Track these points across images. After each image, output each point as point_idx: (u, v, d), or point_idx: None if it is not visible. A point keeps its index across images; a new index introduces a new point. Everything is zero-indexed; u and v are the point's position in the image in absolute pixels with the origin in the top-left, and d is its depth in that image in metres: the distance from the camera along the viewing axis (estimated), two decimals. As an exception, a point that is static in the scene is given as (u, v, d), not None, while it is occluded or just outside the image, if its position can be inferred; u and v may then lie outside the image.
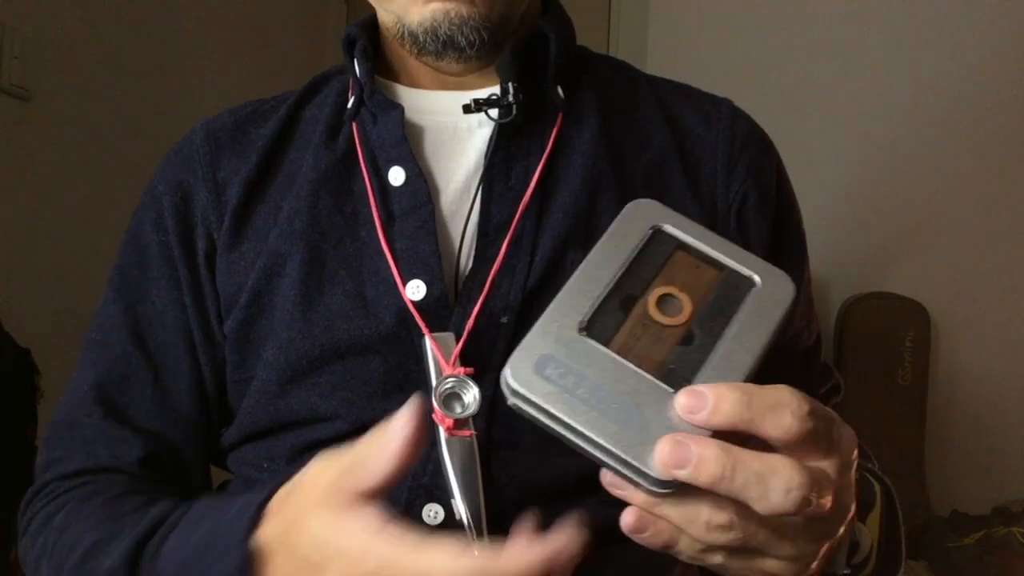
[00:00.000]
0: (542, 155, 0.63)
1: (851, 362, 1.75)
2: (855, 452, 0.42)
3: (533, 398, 0.39)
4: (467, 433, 0.56)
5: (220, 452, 0.67)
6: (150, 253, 0.66)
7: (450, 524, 0.55)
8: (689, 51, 2.02)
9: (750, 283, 0.43)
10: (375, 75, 0.67)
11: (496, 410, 0.58)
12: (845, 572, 0.52)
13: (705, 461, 0.36)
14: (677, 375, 0.39)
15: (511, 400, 0.40)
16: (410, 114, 0.64)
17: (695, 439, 0.36)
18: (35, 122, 1.46)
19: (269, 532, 0.45)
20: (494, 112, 0.63)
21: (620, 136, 0.66)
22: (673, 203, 0.64)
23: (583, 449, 0.39)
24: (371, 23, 0.70)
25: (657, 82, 0.72)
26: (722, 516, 0.38)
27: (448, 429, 0.55)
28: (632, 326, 0.41)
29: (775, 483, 0.37)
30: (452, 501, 0.55)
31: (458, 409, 0.56)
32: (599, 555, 0.58)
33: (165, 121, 1.71)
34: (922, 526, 1.58)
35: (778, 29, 1.96)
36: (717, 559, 0.41)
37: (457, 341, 0.58)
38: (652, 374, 0.39)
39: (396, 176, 0.63)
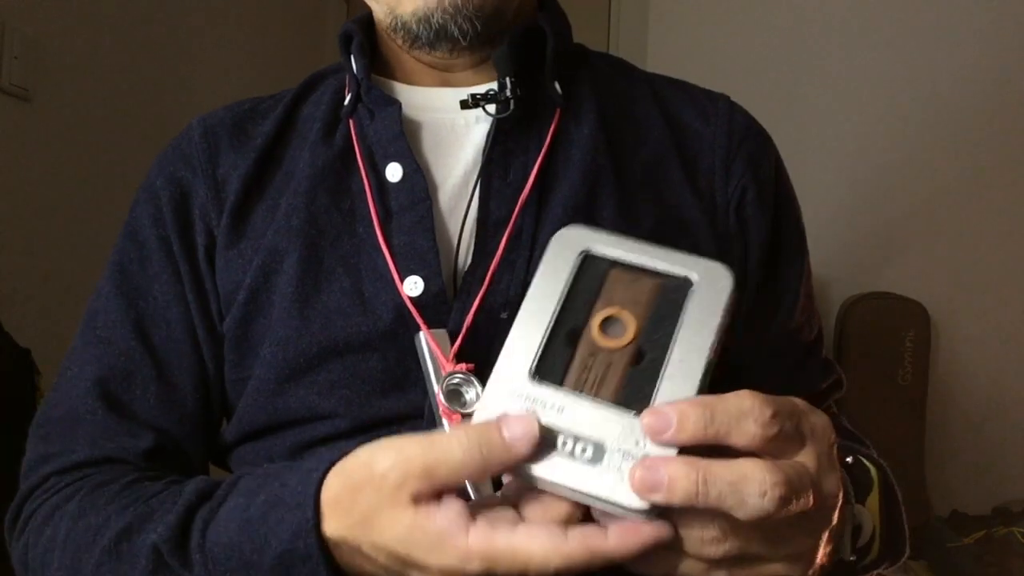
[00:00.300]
0: (540, 150, 0.63)
1: (851, 362, 1.75)
2: (831, 437, 0.42)
3: None
4: None
5: (221, 450, 0.67)
6: (149, 248, 0.66)
7: None
8: (689, 51, 2.02)
9: (687, 283, 0.42)
10: (372, 72, 0.67)
11: None
12: (851, 558, 0.52)
13: (676, 480, 0.36)
14: (635, 396, 0.39)
15: None
16: (407, 110, 0.64)
17: (663, 461, 0.37)
18: (35, 122, 1.46)
19: (336, 527, 0.44)
20: (492, 108, 0.63)
21: (618, 131, 0.66)
22: (672, 199, 0.64)
23: (562, 495, 0.39)
24: (367, 20, 0.70)
25: (654, 78, 0.72)
26: (711, 530, 0.39)
27: (455, 425, 0.55)
28: (582, 358, 0.41)
29: (749, 488, 0.37)
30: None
31: (459, 406, 0.56)
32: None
33: (165, 121, 1.71)
34: (922, 526, 1.58)
35: (778, 29, 1.96)
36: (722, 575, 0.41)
37: (456, 337, 0.58)
38: (610, 402, 0.39)
39: (394, 172, 0.62)
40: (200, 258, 0.65)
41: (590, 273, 0.44)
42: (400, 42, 0.65)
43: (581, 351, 0.41)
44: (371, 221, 0.61)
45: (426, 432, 0.56)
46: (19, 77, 1.42)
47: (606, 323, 0.42)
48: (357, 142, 0.65)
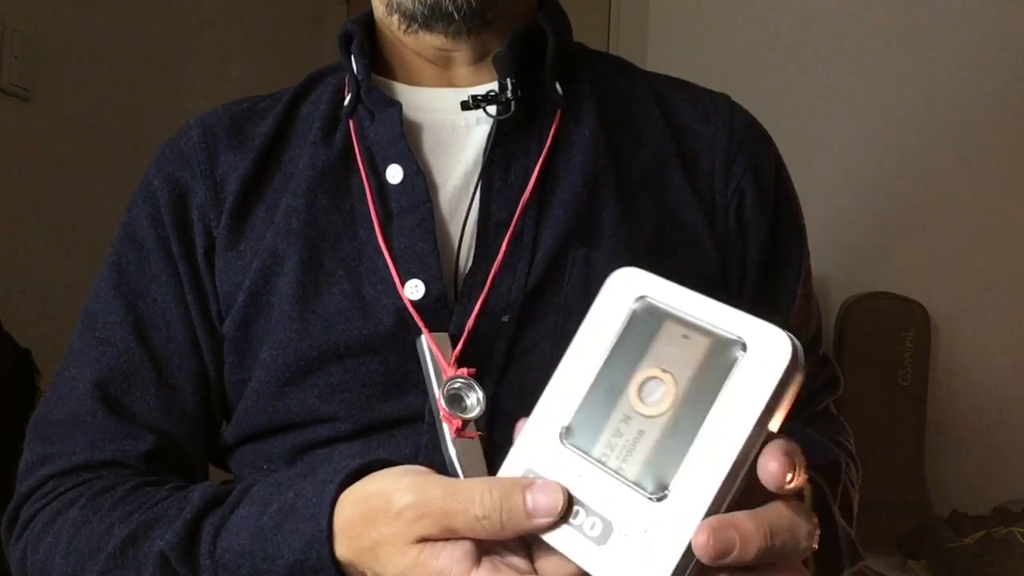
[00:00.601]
0: (541, 152, 0.63)
1: (851, 362, 1.75)
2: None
3: None
4: (473, 434, 0.56)
5: (221, 452, 0.67)
6: (148, 248, 0.65)
7: None
8: (689, 51, 2.01)
9: (739, 348, 0.36)
10: (372, 72, 0.66)
11: (497, 410, 0.57)
12: None
13: (747, 539, 0.34)
14: (654, 478, 0.35)
15: None
16: (408, 111, 0.64)
17: (729, 524, 0.34)
18: (35, 122, 1.46)
19: (344, 551, 0.44)
20: (492, 109, 0.62)
21: (618, 132, 0.66)
22: (672, 199, 0.64)
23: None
24: (368, 20, 0.70)
25: (655, 78, 0.72)
26: None
27: (456, 431, 0.55)
28: (614, 424, 0.38)
29: None
30: None
31: (460, 410, 0.56)
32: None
33: (165, 121, 1.71)
34: (922, 526, 1.58)
35: (778, 29, 1.96)
36: None
37: (458, 340, 0.57)
38: (629, 481, 0.36)
39: (394, 174, 0.62)
40: (199, 259, 0.64)
41: (641, 325, 0.39)
42: (396, 28, 0.64)
43: (615, 415, 0.38)
44: (371, 223, 0.61)
45: (427, 437, 0.56)
46: (19, 77, 1.42)
47: (645, 385, 0.38)
48: (357, 143, 0.64)
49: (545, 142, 0.63)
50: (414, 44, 0.66)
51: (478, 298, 0.58)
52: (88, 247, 1.51)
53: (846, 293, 1.84)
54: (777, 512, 0.35)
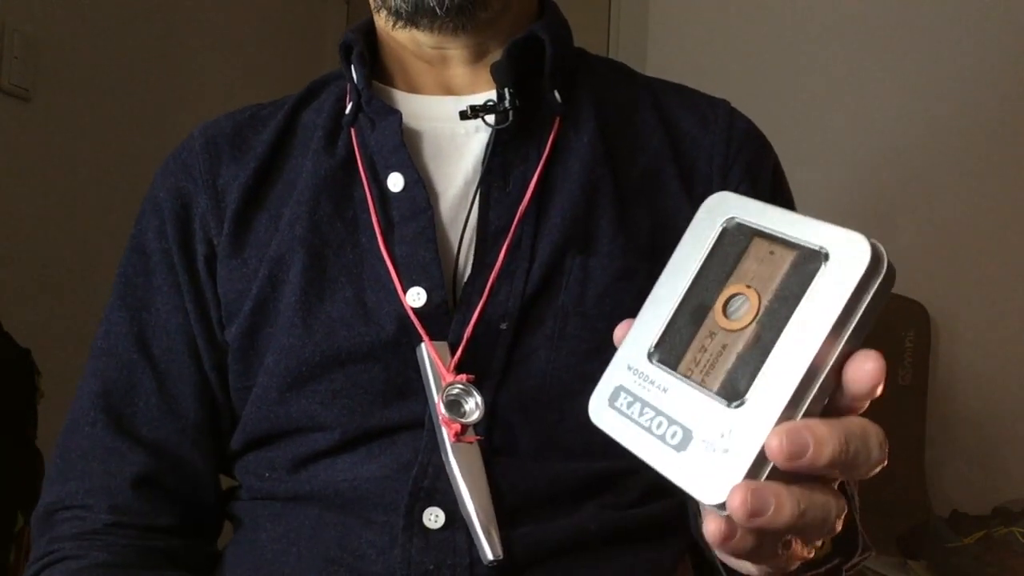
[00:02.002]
0: (540, 160, 0.63)
1: (851, 362, 1.75)
2: None
3: (604, 430, 0.40)
4: (471, 439, 0.56)
5: (228, 459, 0.67)
6: (154, 261, 0.66)
7: (451, 527, 0.56)
8: (689, 52, 2.01)
9: (823, 256, 0.36)
10: (373, 80, 0.67)
11: (496, 416, 0.58)
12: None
13: (780, 510, 0.34)
14: (734, 387, 0.36)
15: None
16: (408, 120, 0.64)
17: (770, 487, 0.34)
18: (35, 122, 1.47)
19: None
20: (491, 118, 0.62)
21: (617, 139, 0.66)
22: (669, 207, 0.64)
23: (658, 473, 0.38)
24: (368, 27, 0.70)
25: (655, 84, 0.72)
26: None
27: (455, 435, 0.55)
28: (700, 340, 0.38)
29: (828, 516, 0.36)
30: (461, 507, 0.55)
31: (459, 416, 0.56)
32: (598, 555, 0.58)
33: (165, 121, 1.71)
34: (922, 526, 1.58)
35: (778, 31, 1.96)
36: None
37: (456, 348, 0.58)
38: (714, 391, 0.37)
39: (395, 182, 0.62)
40: (200, 268, 0.65)
41: (729, 244, 0.40)
42: (384, 21, 0.65)
43: (701, 332, 0.38)
44: (373, 231, 0.62)
45: (426, 441, 0.57)
46: (19, 77, 1.42)
47: (731, 301, 0.38)
48: (359, 151, 0.65)
49: (544, 150, 0.63)
50: (410, 43, 0.67)
51: (477, 306, 0.59)
52: (88, 247, 1.51)
53: (846, 293, 1.84)
54: (851, 421, 0.35)
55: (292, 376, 0.60)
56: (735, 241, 0.40)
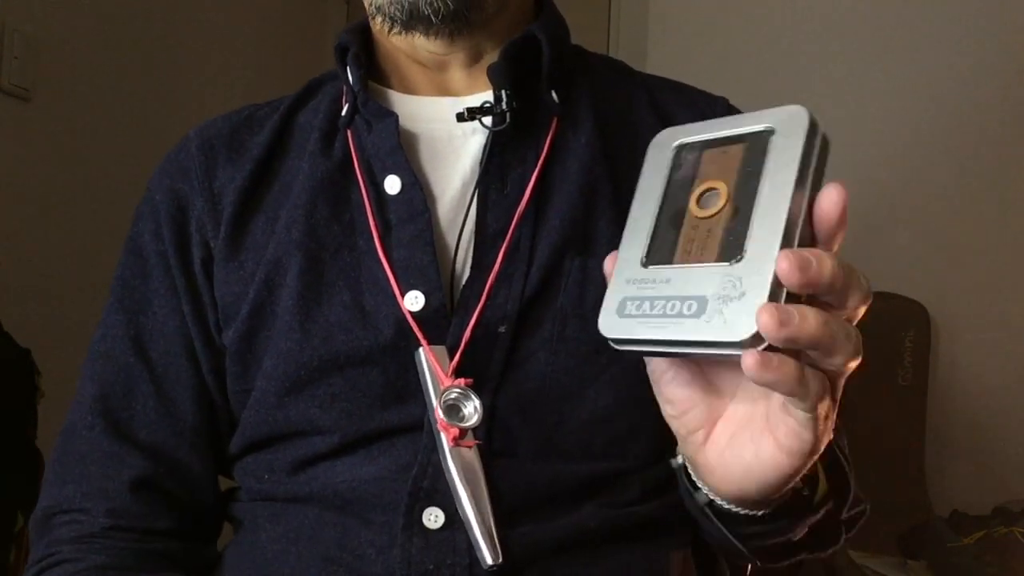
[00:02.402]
0: (537, 161, 0.62)
1: (851, 362, 1.75)
2: None
3: (623, 336, 0.42)
4: (470, 443, 0.56)
5: (227, 461, 0.67)
6: (150, 264, 0.66)
7: (450, 527, 0.56)
8: (689, 51, 2.01)
9: (768, 134, 0.42)
10: (369, 81, 0.66)
11: (495, 419, 0.58)
12: (804, 491, 0.54)
13: (805, 318, 0.37)
14: (729, 249, 0.40)
15: (615, 347, 0.43)
16: (404, 121, 0.64)
17: (792, 305, 0.38)
18: (35, 122, 1.47)
19: None
20: (488, 120, 0.62)
21: (615, 139, 0.66)
22: None
23: (686, 355, 0.42)
24: (363, 28, 0.69)
25: (653, 82, 0.72)
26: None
27: (453, 439, 0.55)
28: (686, 234, 0.43)
29: (851, 335, 0.39)
30: (459, 510, 0.55)
31: (457, 420, 0.56)
32: (598, 554, 0.58)
33: (165, 121, 1.71)
34: (922, 526, 1.58)
35: (778, 30, 1.96)
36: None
37: (455, 351, 0.58)
38: (710, 262, 0.41)
39: (392, 185, 0.62)
40: (196, 271, 0.65)
41: (685, 160, 0.45)
42: (380, 27, 0.65)
43: (685, 228, 0.43)
44: (371, 234, 0.61)
45: (425, 443, 0.57)
46: (19, 77, 1.42)
47: (703, 197, 0.43)
48: (355, 153, 0.64)
49: (542, 151, 0.63)
50: (407, 47, 0.67)
51: (475, 309, 0.58)
52: (88, 247, 1.51)
53: (846, 293, 1.84)
54: (837, 254, 0.39)
55: (291, 380, 0.60)
56: (689, 156, 0.45)
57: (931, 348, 1.78)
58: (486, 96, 0.64)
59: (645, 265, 0.43)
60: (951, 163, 1.83)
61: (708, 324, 0.39)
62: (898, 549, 1.57)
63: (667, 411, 0.47)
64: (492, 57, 0.65)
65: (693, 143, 0.45)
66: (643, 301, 0.42)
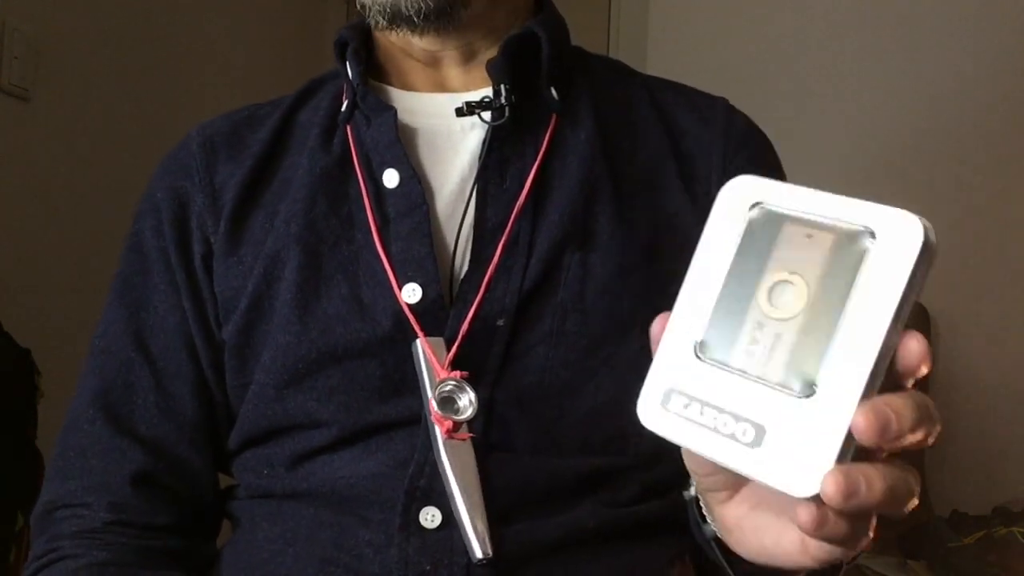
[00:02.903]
0: (537, 156, 0.63)
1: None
2: None
3: (664, 435, 0.39)
4: (464, 436, 0.56)
5: (226, 456, 0.67)
6: (151, 259, 0.66)
7: (447, 527, 0.55)
8: (689, 51, 2.01)
9: (867, 237, 0.35)
10: (368, 78, 0.66)
11: (492, 413, 0.58)
12: None
13: (872, 488, 0.34)
14: (799, 376, 0.35)
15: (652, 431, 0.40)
16: (403, 116, 0.64)
17: (858, 468, 0.34)
18: (35, 122, 1.47)
19: None
20: (487, 115, 0.62)
21: (615, 136, 0.66)
22: (668, 204, 0.64)
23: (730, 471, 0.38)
24: (363, 26, 0.70)
25: (653, 82, 0.72)
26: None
27: (447, 431, 0.55)
28: (749, 332, 0.37)
29: (911, 491, 0.36)
30: (452, 504, 0.55)
31: (452, 412, 0.56)
32: (595, 553, 0.58)
33: (165, 121, 1.71)
34: (922, 526, 1.58)
35: (778, 30, 1.96)
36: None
37: (452, 344, 0.58)
38: (776, 383, 0.36)
39: (390, 179, 0.62)
40: (197, 266, 0.65)
41: (760, 231, 0.38)
42: (370, 22, 0.65)
43: (748, 324, 0.37)
44: (369, 227, 0.61)
45: (423, 438, 0.57)
46: (19, 77, 1.42)
47: (774, 290, 0.37)
48: (355, 148, 0.64)
49: (541, 146, 0.63)
50: (402, 43, 0.67)
51: (473, 302, 0.59)
52: (88, 247, 1.51)
53: (846, 293, 1.84)
54: (911, 391, 0.36)
55: (289, 373, 0.60)
56: (766, 227, 0.38)
57: (931, 348, 1.78)
58: (484, 92, 0.64)
59: (699, 356, 0.38)
60: (951, 164, 1.83)
61: (763, 464, 0.35)
62: (898, 549, 1.57)
63: (689, 466, 0.43)
64: (488, 54, 0.65)
65: (773, 211, 0.39)
66: (691, 402, 0.38)
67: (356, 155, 0.64)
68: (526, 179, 0.62)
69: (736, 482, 0.43)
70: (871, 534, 0.38)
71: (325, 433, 0.59)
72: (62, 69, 1.51)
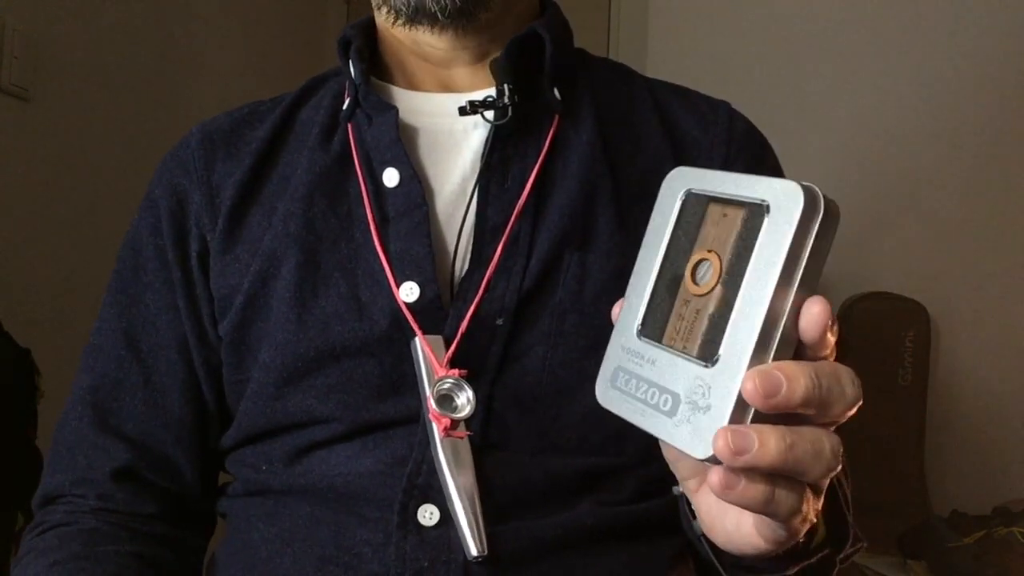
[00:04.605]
0: (538, 157, 0.63)
1: (851, 362, 1.75)
2: None
3: (610, 409, 0.42)
4: (462, 434, 0.56)
5: (221, 453, 0.67)
6: (146, 257, 0.67)
7: (445, 525, 0.55)
8: (689, 52, 2.02)
9: (764, 210, 0.37)
10: (371, 77, 0.67)
11: (491, 411, 0.58)
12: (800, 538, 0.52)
13: (766, 444, 0.35)
14: (708, 346, 0.38)
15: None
16: (405, 115, 0.64)
17: (752, 427, 0.35)
18: (35, 122, 1.46)
19: None
20: (489, 114, 0.62)
21: (616, 138, 0.66)
22: None
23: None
24: (367, 25, 0.70)
25: (655, 84, 0.72)
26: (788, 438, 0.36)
27: (444, 429, 0.55)
28: (677, 310, 0.40)
29: (823, 453, 0.36)
30: (448, 501, 0.55)
31: (450, 411, 0.56)
32: (593, 552, 0.58)
33: (165, 121, 1.71)
34: (922, 526, 1.58)
35: (777, 30, 1.96)
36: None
37: (451, 343, 0.58)
38: (693, 355, 0.39)
39: (390, 178, 0.62)
40: (193, 264, 0.65)
41: (690, 214, 0.42)
42: (384, 18, 0.65)
43: (678, 302, 0.41)
44: (368, 226, 0.61)
45: (421, 436, 0.57)
46: (19, 77, 1.42)
47: (698, 267, 0.40)
48: (355, 147, 0.65)
49: (542, 147, 0.63)
50: (409, 42, 0.67)
51: (472, 301, 0.59)
52: (89, 247, 1.51)
53: (846, 293, 1.84)
54: (820, 362, 0.37)
55: (288, 371, 0.60)
56: (694, 210, 0.42)
57: (931, 348, 1.78)
58: (488, 92, 0.64)
59: (639, 336, 0.42)
60: (951, 163, 1.83)
61: (676, 429, 0.38)
62: (898, 549, 1.57)
63: (664, 454, 0.45)
64: (496, 56, 0.65)
65: (700, 194, 0.41)
66: (631, 378, 0.41)
67: (356, 154, 0.64)
68: (527, 179, 0.62)
69: (702, 469, 0.44)
70: (806, 509, 0.38)
71: (324, 429, 0.60)
72: (62, 69, 1.51)
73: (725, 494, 0.36)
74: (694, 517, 0.50)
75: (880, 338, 1.76)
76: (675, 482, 0.54)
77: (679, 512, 0.57)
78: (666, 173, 0.65)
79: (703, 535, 0.50)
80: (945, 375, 1.81)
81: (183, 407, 0.65)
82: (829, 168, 1.85)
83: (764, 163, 0.69)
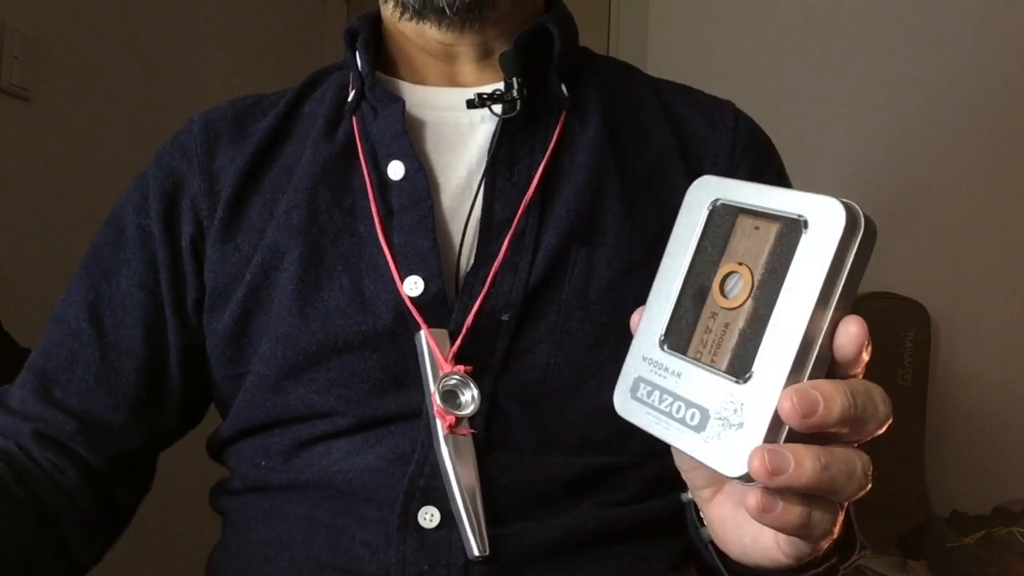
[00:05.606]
0: (545, 151, 0.62)
1: (851, 362, 1.75)
2: None
3: (630, 420, 0.41)
4: (465, 432, 0.56)
5: (217, 445, 0.67)
6: (127, 235, 0.66)
7: (446, 527, 0.55)
8: (689, 52, 2.01)
9: (801, 226, 0.37)
10: (377, 70, 0.66)
11: (495, 409, 0.57)
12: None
13: (800, 467, 0.34)
14: (741, 362, 0.37)
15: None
16: (411, 108, 0.64)
17: (788, 447, 0.35)
18: (35, 122, 1.46)
19: None
20: (497, 108, 0.62)
21: (623, 134, 0.66)
22: (674, 203, 0.64)
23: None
24: (374, 17, 0.70)
25: (660, 83, 0.72)
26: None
27: (448, 427, 0.55)
28: (704, 322, 0.40)
29: (855, 473, 0.36)
30: (450, 501, 0.55)
31: (454, 407, 0.55)
32: (595, 554, 0.58)
33: (165, 121, 1.71)
34: (922, 526, 1.58)
35: (778, 30, 1.96)
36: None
37: (456, 338, 0.57)
38: (722, 370, 0.38)
39: (395, 170, 0.62)
40: (184, 247, 0.65)
41: (717, 225, 0.41)
42: (391, 12, 0.65)
43: (704, 314, 0.40)
44: (372, 219, 0.61)
45: (423, 433, 0.56)
46: (19, 77, 1.42)
47: (727, 280, 0.39)
48: (359, 139, 0.64)
49: (550, 142, 0.63)
50: (416, 36, 0.67)
51: (478, 296, 0.58)
52: (88, 247, 1.51)
53: (846, 293, 1.83)
54: (853, 380, 0.36)
55: (289, 364, 0.59)
56: (722, 221, 0.41)
57: (931, 348, 1.78)
58: (495, 87, 0.64)
59: (662, 346, 0.41)
60: (951, 163, 1.83)
61: (706, 445, 0.37)
62: (898, 549, 1.57)
63: (676, 463, 0.44)
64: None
65: (729, 205, 0.41)
66: (654, 389, 0.41)
67: (361, 146, 0.64)
68: (534, 174, 0.62)
69: (719, 479, 0.43)
70: (835, 529, 0.38)
71: (325, 423, 0.59)
72: (62, 69, 1.51)
73: (762, 517, 0.36)
74: (702, 524, 0.50)
75: (880, 338, 1.76)
76: (678, 480, 0.54)
77: (681, 515, 0.57)
78: (673, 170, 0.65)
79: (710, 542, 0.50)
80: (945, 375, 1.80)
81: (137, 390, 0.64)
82: (829, 170, 1.85)
83: (769, 163, 0.69)
